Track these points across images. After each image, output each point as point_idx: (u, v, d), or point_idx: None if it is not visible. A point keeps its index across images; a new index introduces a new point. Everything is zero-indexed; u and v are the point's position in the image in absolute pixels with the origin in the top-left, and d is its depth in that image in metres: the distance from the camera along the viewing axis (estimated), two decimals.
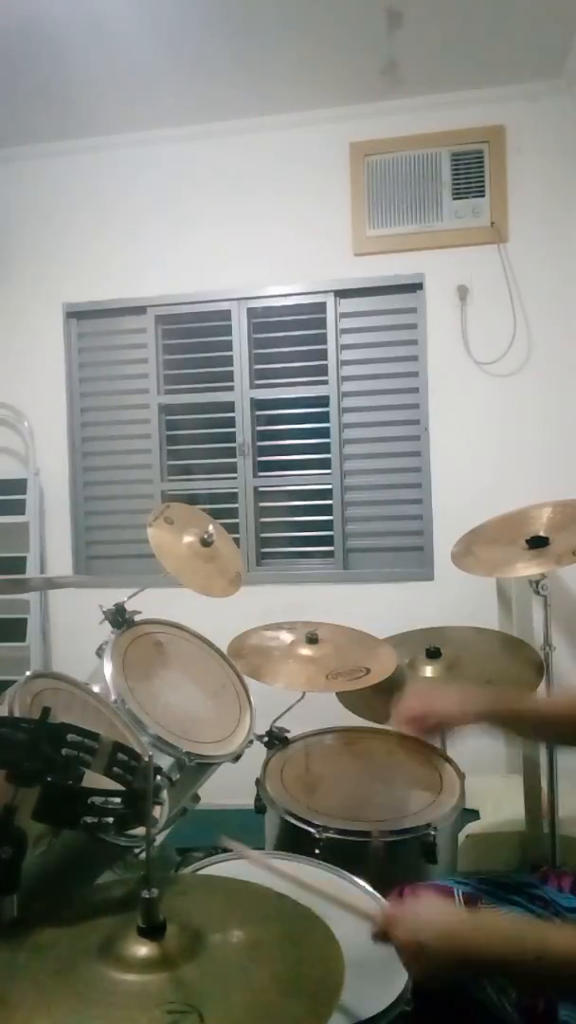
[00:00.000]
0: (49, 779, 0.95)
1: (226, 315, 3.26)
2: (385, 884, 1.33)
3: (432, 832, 1.56)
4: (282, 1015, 0.77)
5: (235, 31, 2.57)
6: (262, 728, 1.88)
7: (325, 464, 3.21)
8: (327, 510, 3.22)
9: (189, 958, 0.82)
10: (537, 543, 2.03)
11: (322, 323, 3.19)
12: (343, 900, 1.06)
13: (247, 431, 3.25)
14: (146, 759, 1.00)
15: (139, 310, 3.32)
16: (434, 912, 0.97)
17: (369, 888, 1.31)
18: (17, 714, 1.13)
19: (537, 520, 2.16)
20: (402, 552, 3.17)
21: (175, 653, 1.87)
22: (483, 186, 3.01)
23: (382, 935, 0.96)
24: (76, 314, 3.38)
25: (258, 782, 1.77)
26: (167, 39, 2.60)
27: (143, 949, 0.83)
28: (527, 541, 2.05)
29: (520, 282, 3.00)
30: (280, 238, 3.17)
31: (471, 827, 2.36)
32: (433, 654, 2.02)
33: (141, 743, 1.46)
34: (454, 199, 3.04)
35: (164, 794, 1.37)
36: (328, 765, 1.86)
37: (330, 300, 3.16)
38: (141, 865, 0.92)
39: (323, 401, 3.20)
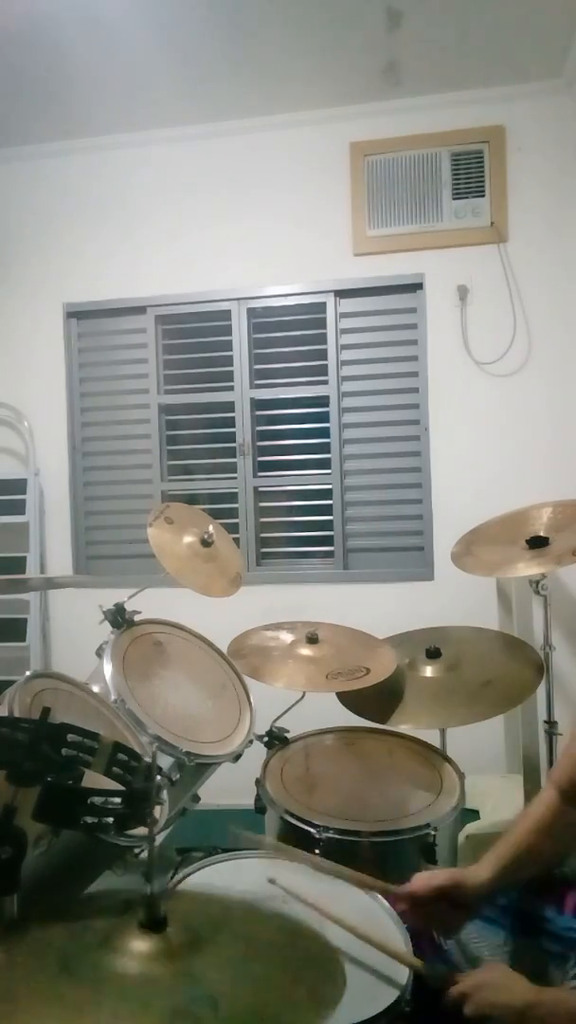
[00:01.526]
0: (49, 779, 0.95)
1: (226, 315, 3.26)
2: None
3: (432, 832, 1.56)
4: (282, 1016, 0.77)
5: (234, 31, 2.57)
6: (262, 728, 1.88)
7: (325, 464, 3.20)
8: (327, 510, 3.21)
9: (188, 958, 0.82)
10: (537, 543, 2.02)
11: (322, 323, 3.19)
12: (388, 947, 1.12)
13: (247, 431, 3.25)
14: (146, 759, 1.00)
15: (139, 310, 3.32)
16: (504, 994, 1.02)
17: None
18: (17, 714, 1.13)
19: (537, 520, 2.15)
20: (402, 552, 3.17)
21: (175, 653, 1.87)
22: (483, 186, 3.01)
23: (454, 1003, 1.03)
24: (76, 314, 3.38)
25: (258, 782, 1.77)
26: (166, 39, 2.60)
27: (144, 946, 0.82)
28: (527, 541, 2.04)
29: (520, 282, 3.00)
30: (280, 238, 3.17)
31: (471, 827, 2.36)
32: (433, 654, 2.01)
33: (141, 743, 1.46)
34: (454, 199, 3.04)
35: (164, 794, 1.37)
36: (328, 765, 1.86)
37: (330, 300, 3.16)
38: (141, 865, 0.92)
39: (323, 401, 3.20)
